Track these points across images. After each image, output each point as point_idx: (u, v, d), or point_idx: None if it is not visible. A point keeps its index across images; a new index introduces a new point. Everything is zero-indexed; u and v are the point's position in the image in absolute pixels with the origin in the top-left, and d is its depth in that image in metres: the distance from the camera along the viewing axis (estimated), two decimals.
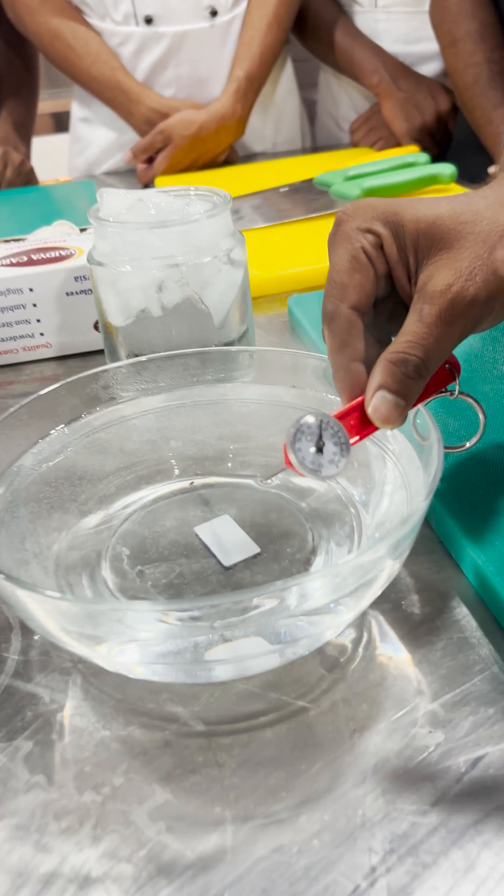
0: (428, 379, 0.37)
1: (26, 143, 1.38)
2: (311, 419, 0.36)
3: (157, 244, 0.52)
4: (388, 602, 0.41)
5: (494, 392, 0.55)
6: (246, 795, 0.33)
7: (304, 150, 1.37)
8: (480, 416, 0.42)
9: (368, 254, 0.38)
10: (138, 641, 0.34)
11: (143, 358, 0.48)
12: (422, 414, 0.39)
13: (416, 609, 0.41)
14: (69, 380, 0.46)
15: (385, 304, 0.41)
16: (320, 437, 0.36)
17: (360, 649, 0.39)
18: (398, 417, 0.36)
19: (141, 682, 0.38)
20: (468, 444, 0.44)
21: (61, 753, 0.35)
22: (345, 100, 1.35)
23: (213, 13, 1.19)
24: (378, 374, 0.36)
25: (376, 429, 0.38)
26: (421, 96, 1.18)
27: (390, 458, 0.42)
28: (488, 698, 0.36)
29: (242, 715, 0.36)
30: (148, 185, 1.22)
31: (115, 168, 1.31)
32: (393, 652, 0.38)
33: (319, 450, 0.36)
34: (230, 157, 1.26)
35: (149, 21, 1.18)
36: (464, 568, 0.43)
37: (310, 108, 1.46)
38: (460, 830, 0.31)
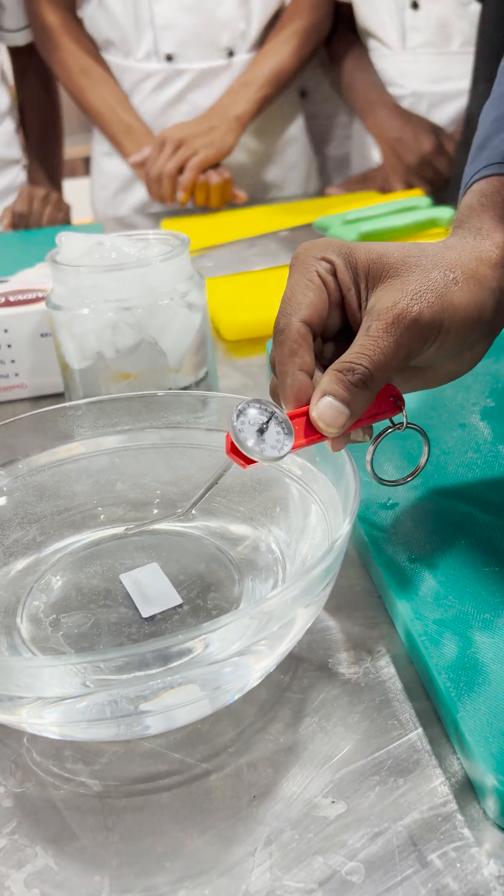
0: (374, 392, 0.37)
1: (58, 188, 1.44)
2: (255, 402, 0.36)
3: (112, 287, 0.52)
4: (316, 659, 0.40)
5: (456, 441, 0.53)
6: (129, 864, 0.31)
7: (309, 195, 1.38)
8: (424, 446, 0.43)
9: (322, 277, 0.40)
10: (56, 701, 0.32)
11: (85, 401, 0.47)
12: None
13: (343, 668, 0.39)
14: (5, 422, 0.45)
15: (336, 351, 0.41)
16: (266, 421, 0.36)
17: (276, 711, 0.37)
18: (341, 426, 0.36)
19: (48, 737, 0.36)
20: (410, 477, 0.45)
21: None
22: (372, 142, 1.37)
23: (231, 53, 1.24)
24: (324, 382, 0.37)
25: (319, 438, 0.37)
26: (407, 138, 1.20)
27: (317, 506, 0.40)
28: (400, 768, 0.34)
29: (142, 776, 0.35)
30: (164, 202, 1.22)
31: (139, 202, 1.34)
32: (309, 714, 0.37)
33: (261, 433, 0.36)
34: (233, 200, 1.26)
35: (169, 58, 1.23)
36: (397, 625, 0.41)
37: (326, 163, 1.48)
38: None
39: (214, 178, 1.19)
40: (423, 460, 0.44)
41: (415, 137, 1.19)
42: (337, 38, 1.31)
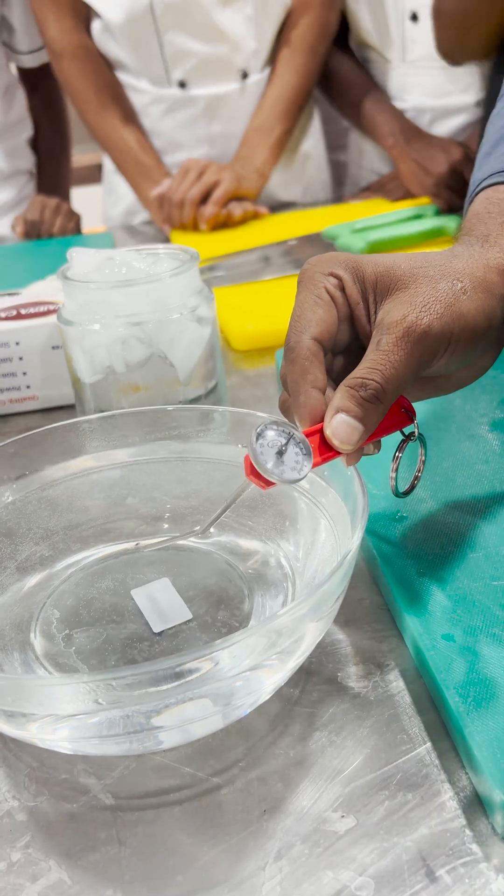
0: (387, 406, 0.37)
1: (66, 199, 1.45)
2: (273, 424, 0.36)
3: (122, 302, 0.53)
4: (325, 673, 0.40)
5: (465, 453, 0.53)
6: (141, 878, 0.32)
7: (326, 203, 1.38)
8: (420, 448, 0.43)
9: (331, 293, 0.40)
10: (67, 717, 0.32)
11: (97, 416, 0.48)
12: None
13: (352, 682, 0.39)
14: (17, 437, 0.46)
15: (346, 365, 0.41)
16: (284, 443, 0.36)
17: (286, 725, 0.37)
18: (356, 442, 0.37)
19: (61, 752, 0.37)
20: (414, 483, 0.45)
21: None
22: (371, 152, 1.37)
23: (245, 75, 1.23)
24: (337, 398, 0.37)
25: (333, 455, 0.37)
26: (433, 151, 1.19)
27: (326, 521, 0.41)
28: (409, 782, 0.34)
29: (154, 790, 0.35)
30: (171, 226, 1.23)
31: (149, 219, 1.34)
32: (319, 728, 0.37)
33: (280, 455, 0.36)
34: (254, 217, 1.26)
35: (182, 85, 1.21)
36: (405, 639, 0.41)
37: (337, 169, 1.48)
38: None
39: (237, 210, 1.18)
40: (419, 465, 0.44)
41: (442, 149, 1.18)
42: (330, 54, 1.30)
